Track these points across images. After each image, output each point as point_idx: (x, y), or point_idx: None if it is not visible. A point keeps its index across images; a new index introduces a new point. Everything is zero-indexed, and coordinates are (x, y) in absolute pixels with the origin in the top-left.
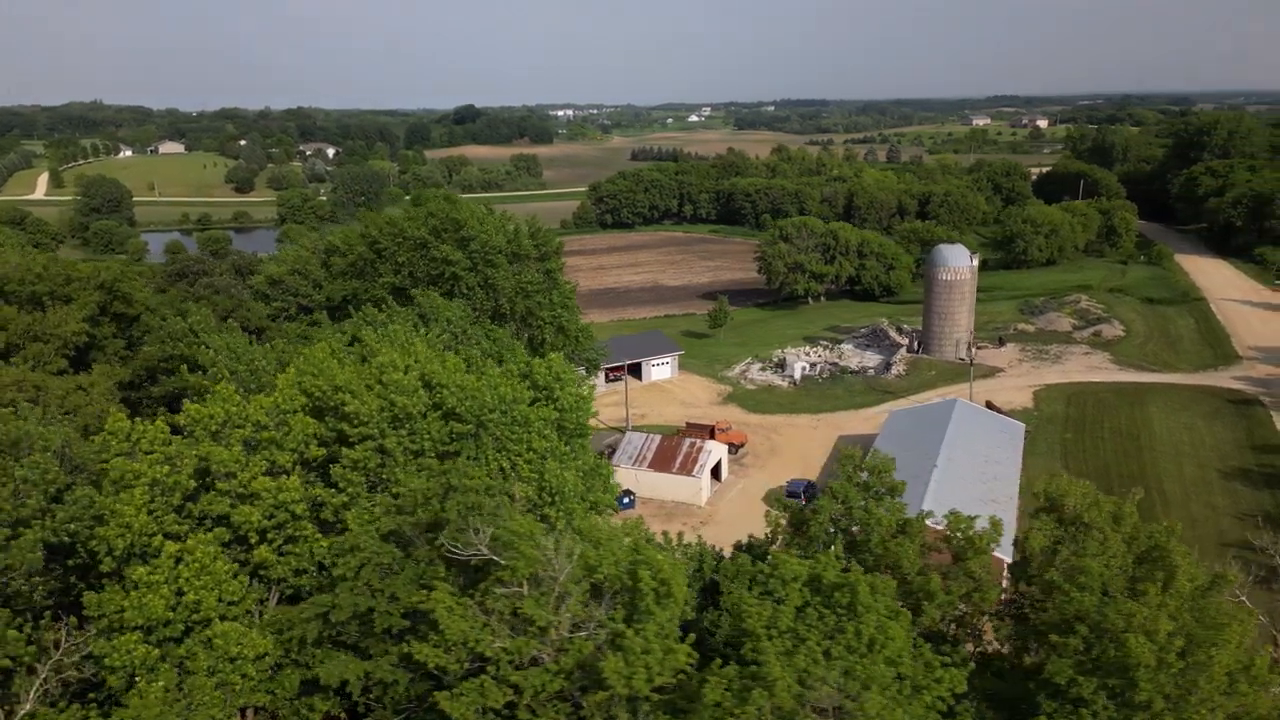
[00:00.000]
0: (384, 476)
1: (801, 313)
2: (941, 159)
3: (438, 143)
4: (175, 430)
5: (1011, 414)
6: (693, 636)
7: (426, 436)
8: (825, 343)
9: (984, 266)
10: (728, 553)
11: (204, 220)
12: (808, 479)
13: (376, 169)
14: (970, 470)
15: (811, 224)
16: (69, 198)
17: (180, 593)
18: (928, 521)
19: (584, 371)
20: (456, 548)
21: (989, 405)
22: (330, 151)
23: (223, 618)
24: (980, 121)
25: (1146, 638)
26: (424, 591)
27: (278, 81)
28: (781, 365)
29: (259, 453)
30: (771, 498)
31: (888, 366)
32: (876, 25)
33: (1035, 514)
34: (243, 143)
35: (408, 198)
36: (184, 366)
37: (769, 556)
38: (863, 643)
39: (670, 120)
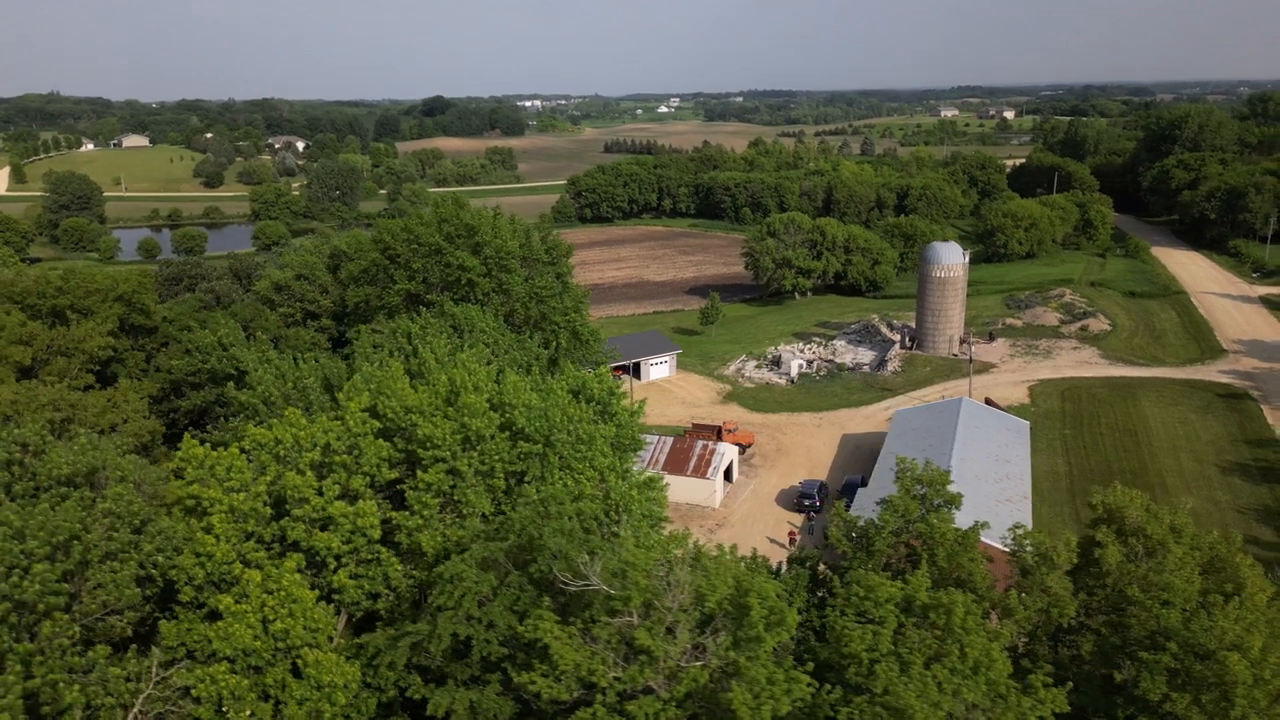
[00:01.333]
0: (455, 498)
1: (789, 308)
2: (916, 152)
3: (407, 135)
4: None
5: (1009, 410)
6: (789, 660)
7: (496, 457)
8: (817, 339)
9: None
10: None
11: (174, 216)
12: (820, 480)
13: (350, 163)
14: (983, 470)
15: (798, 220)
16: (35, 194)
17: (266, 621)
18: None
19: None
20: (566, 578)
21: (989, 402)
22: (300, 145)
23: (309, 645)
24: (948, 113)
25: (1239, 653)
26: (520, 618)
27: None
28: (777, 362)
29: (329, 476)
30: (785, 499)
31: (882, 363)
32: (841, 16)
33: (1094, 525)
34: (209, 136)
35: (396, 201)
36: (230, 384)
37: (845, 574)
38: (967, 665)
39: (640, 111)
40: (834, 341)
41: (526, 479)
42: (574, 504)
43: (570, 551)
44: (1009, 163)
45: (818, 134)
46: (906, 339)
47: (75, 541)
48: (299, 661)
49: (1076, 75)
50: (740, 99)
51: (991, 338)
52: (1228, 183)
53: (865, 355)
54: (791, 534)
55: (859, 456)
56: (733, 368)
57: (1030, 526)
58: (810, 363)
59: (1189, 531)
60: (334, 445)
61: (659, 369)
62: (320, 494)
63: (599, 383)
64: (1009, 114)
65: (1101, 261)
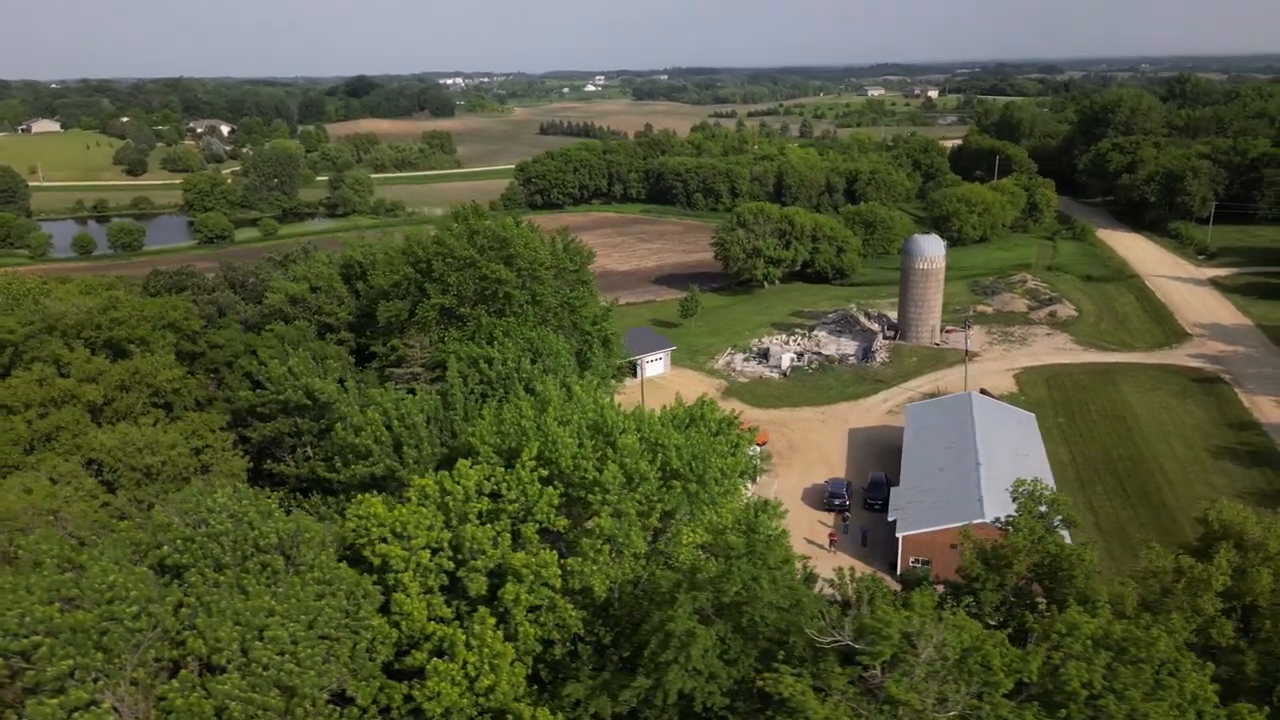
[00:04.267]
0: (617, 539)
1: (760, 298)
2: (856, 135)
3: (333, 116)
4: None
5: (1001, 400)
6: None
7: (656, 498)
8: (799, 330)
9: None
10: None
11: (100, 207)
12: (845, 479)
13: (287, 150)
14: (1007, 466)
15: (767, 210)
16: None
17: (471, 678)
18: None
19: (614, 381)
20: (816, 636)
21: (983, 392)
22: (225, 129)
23: (515, 700)
24: (874, 92)
25: None
26: (724, 666)
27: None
28: (765, 355)
29: (495, 524)
30: (811, 498)
31: (868, 353)
32: None
33: (1209, 540)
34: (125, 120)
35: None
36: (339, 425)
37: (976, 594)
38: (1185, 698)
39: (567, 90)
40: (816, 332)
41: (675, 516)
42: (775, 550)
43: (805, 604)
44: (945, 143)
45: (750, 114)
46: (886, 328)
47: (317, 619)
48: (510, 718)
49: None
50: (665, 77)
51: (967, 325)
52: (1165, 167)
53: (849, 346)
54: (831, 536)
55: (871, 452)
56: (721, 361)
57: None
58: (801, 355)
59: None
60: (506, 494)
61: (655, 366)
62: (495, 545)
63: (711, 410)
64: (933, 93)
65: (1052, 245)
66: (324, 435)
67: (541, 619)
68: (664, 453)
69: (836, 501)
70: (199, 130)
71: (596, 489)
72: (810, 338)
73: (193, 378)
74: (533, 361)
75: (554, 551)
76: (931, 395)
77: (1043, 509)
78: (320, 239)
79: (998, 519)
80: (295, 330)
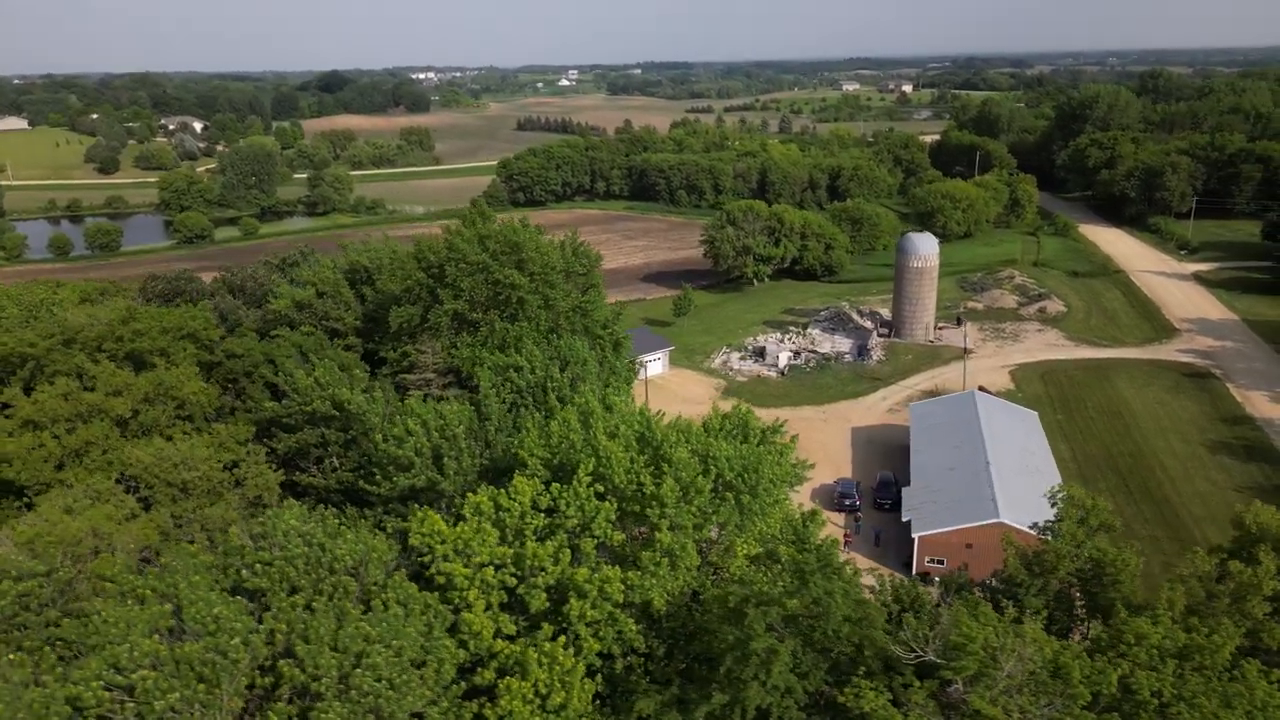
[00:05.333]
0: (675, 552)
1: (750, 295)
2: (836, 130)
3: (307, 113)
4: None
5: (998, 397)
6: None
7: (711, 511)
8: (794, 328)
9: None
10: None
11: (74, 206)
12: (854, 479)
13: (265, 147)
14: (1016, 465)
15: (757, 208)
16: None
17: (543, 696)
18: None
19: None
20: (901, 652)
21: (981, 389)
22: (197, 125)
23: (584, 717)
24: (849, 87)
25: None
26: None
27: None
28: (761, 354)
29: (552, 540)
30: (821, 498)
31: (863, 351)
32: None
33: (1247, 543)
34: (95, 117)
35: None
36: (379, 437)
37: (1017, 601)
38: (1255, 704)
39: (541, 85)
40: (810, 330)
41: (728, 528)
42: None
43: (873, 617)
44: (924, 138)
45: (727, 109)
46: (879, 326)
47: (405, 642)
48: None
49: (959, 47)
50: (639, 71)
51: (959, 322)
52: (1144, 162)
53: (843, 343)
54: (846, 537)
55: (875, 451)
56: (718, 360)
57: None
58: (798, 354)
59: None
60: (563, 509)
61: (654, 366)
62: (556, 561)
63: (753, 418)
64: (907, 88)
65: (1036, 240)
66: (350, 446)
67: (600, 633)
68: (715, 464)
69: (847, 502)
70: (171, 127)
71: (654, 503)
72: (805, 336)
73: (212, 388)
74: (561, 370)
75: (617, 567)
76: (931, 393)
77: (1082, 513)
78: (311, 240)
79: (1035, 524)
80: (313, 339)
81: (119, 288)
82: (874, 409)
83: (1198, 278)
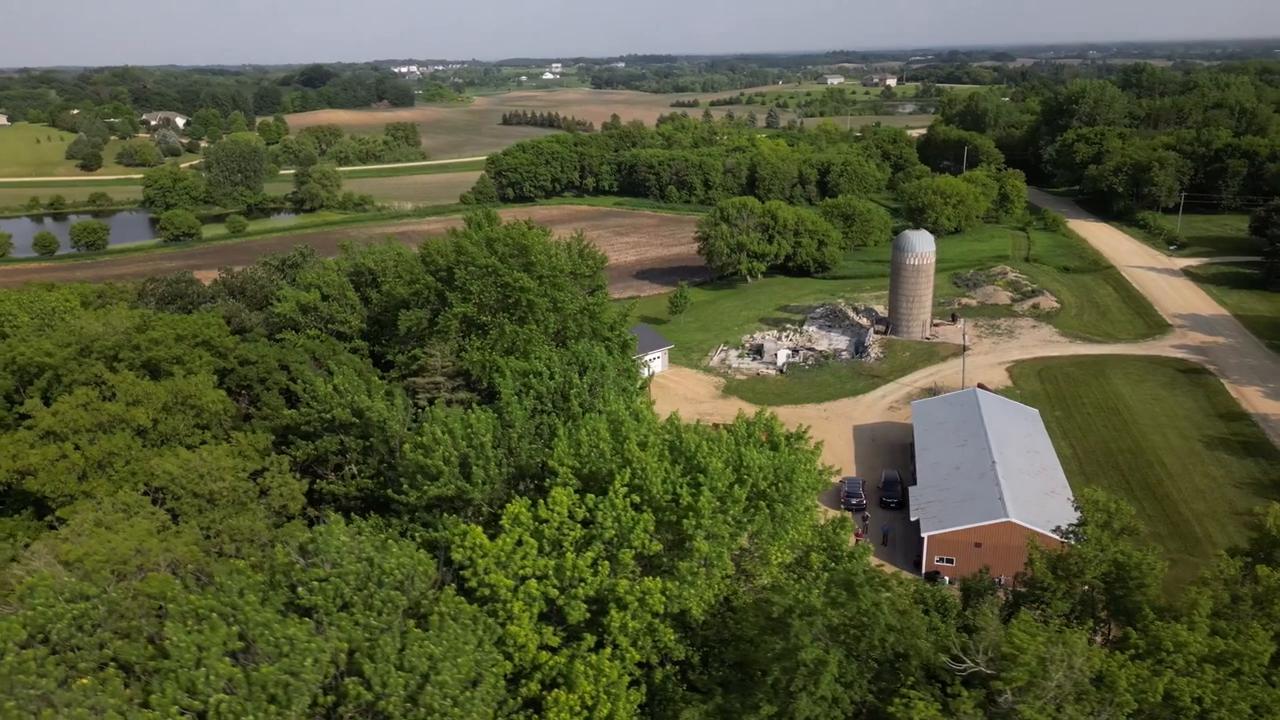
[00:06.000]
0: (712, 562)
1: (744, 292)
2: (824, 125)
3: (290, 107)
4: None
5: (997, 394)
6: None
7: (746, 519)
8: (790, 325)
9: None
10: None
11: (57, 204)
12: (859, 478)
13: (251, 143)
14: (1021, 463)
15: (750, 204)
16: None
17: (589, 707)
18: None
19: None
20: (951, 663)
21: (980, 387)
22: (180, 121)
23: None
24: (834, 81)
25: None
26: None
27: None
28: (759, 351)
29: (591, 550)
30: (828, 498)
31: (860, 348)
32: None
33: (1261, 546)
34: (75, 113)
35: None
36: (407, 446)
37: (1043, 605)
38: None
39: (524, 78)
40: (806, 328)
41: (760, 536)
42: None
43: (917, 627)
44: (912, 134)
45: (713, 103)
46: (875, 323)
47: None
48: None
49: (941, 40)
50: (623, 64)
51: (955, 319)
52: (1132, 158)
53: (840, 341)
54: (856, 536)
55: (878, 450)
56: (716, 359)
57: (1080, 517)
58: (796, 351)
59: None
60: (600, 521)
61: (654, 365)
62: (595, 572)
63: (776, 424)
64: (891, 81)
65: (1026, 236)
66: (368, 452)
67: (639, 642)
68: (749, 474)
69: (854, 501)
70: (153, 123)
71: (691, 514)
72: (801, 333)
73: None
74: (580, 375)
75: (658, 579)
76: (930, 391)
77: (1105, 516)
78: (301, 237)
79: (1058, 528)
80: (326, 345)
81: (117, 290)
82: (874, 407)
83: (1187, 273)
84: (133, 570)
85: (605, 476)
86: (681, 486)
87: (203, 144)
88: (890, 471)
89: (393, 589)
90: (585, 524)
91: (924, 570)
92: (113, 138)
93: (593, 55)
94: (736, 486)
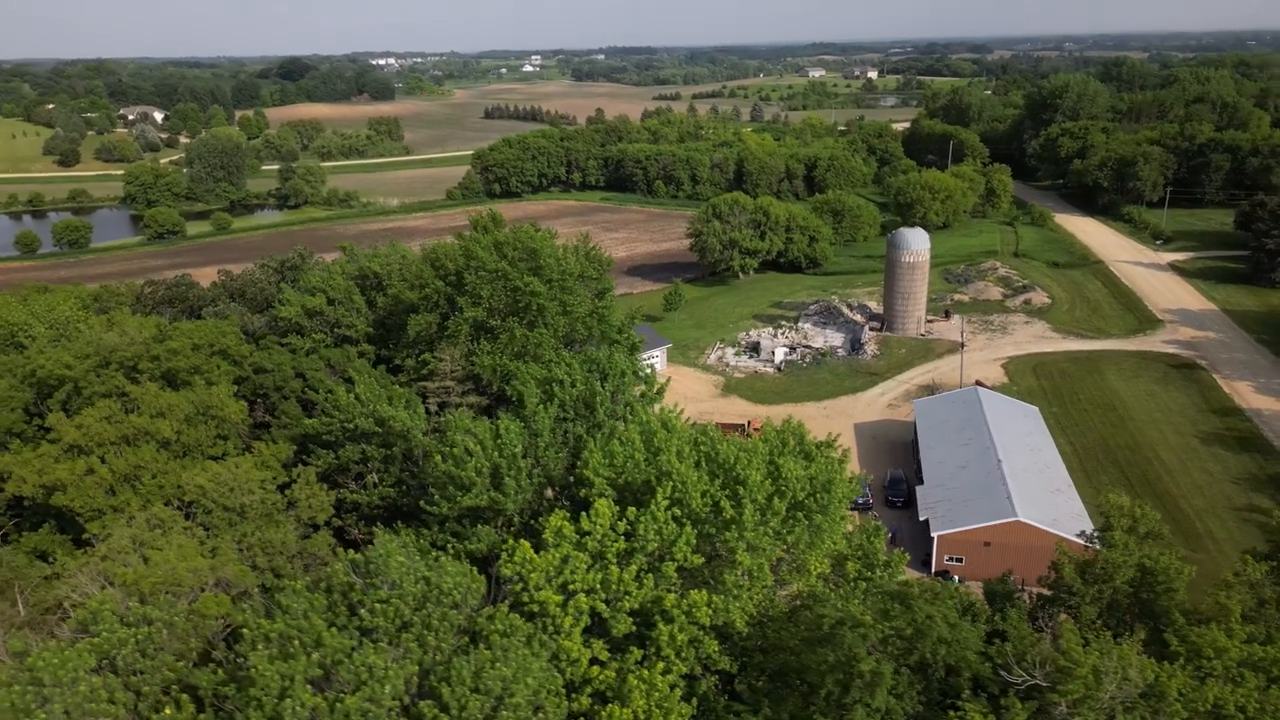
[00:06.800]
0: (754, 574)
1: (737, 288)
2: (809, 119)
3: (269, 101)
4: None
5: (994, 390)
6: None
7: (787, 530)
8: (785, 322)
9: (884, 231)
10: None
11: (36, 201)
12: (865, 477)
13: (233, 138)
14: (1024, 461)
15: (742, 201)
16: None
17: None
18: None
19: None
20: (1008, 676)
21: (978, 384)
22: (158, 115)
23: None
24: (815, 73)
25: None
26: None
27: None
28: (755, 349)
29: (634, 563)
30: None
31: (856, 345)
32: None
33: (1277, 548)
34: (51, 107)
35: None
36: (438, 457)
37: (1074, 611)
38: None
39: (504, 70)
40: (801, 324)
41: (798, 547)
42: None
43: (968, 639)
44: (896, 127)
45: (695, 96)
46: (869, 319)
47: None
48: None
49: (919, 31)
50: (602, 56)
51: (948, 315)
52: (1116, 153)
53: (835, 337)
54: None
55: (880, 448)
56: (713, 356)
57: (1085, 514)
58: (793, 349)
59: None
60: (642, 534)
61: (654, 364)
62: (640, 585)
63: (804, 431)
64: (872, 74)
65: (1014, 231)
66: (389, 461)
67: (683, 654)
68: (787, 485)
69: (859, 500)
70: (131, 117)
71: (734, 526)
72: (797, 330)
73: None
74: (601, 382)
75: (703, 591)
76: (928, 388)
77: (1131, 522)
78: (287, 234)
79: (1083, 532)
80: (340, 353)
81: (113, 293)
82: (874, 404)
83: (1174, 267)
84: (186, 591)
85: (640, 488)
86: (723, 499)
87: (182, 139)
88: (896, 470)
89: (449, 608)
90: (626, 536)
91: (934, 569)
92: (90, 133)
93: (572, 47)
94: (776, 499)
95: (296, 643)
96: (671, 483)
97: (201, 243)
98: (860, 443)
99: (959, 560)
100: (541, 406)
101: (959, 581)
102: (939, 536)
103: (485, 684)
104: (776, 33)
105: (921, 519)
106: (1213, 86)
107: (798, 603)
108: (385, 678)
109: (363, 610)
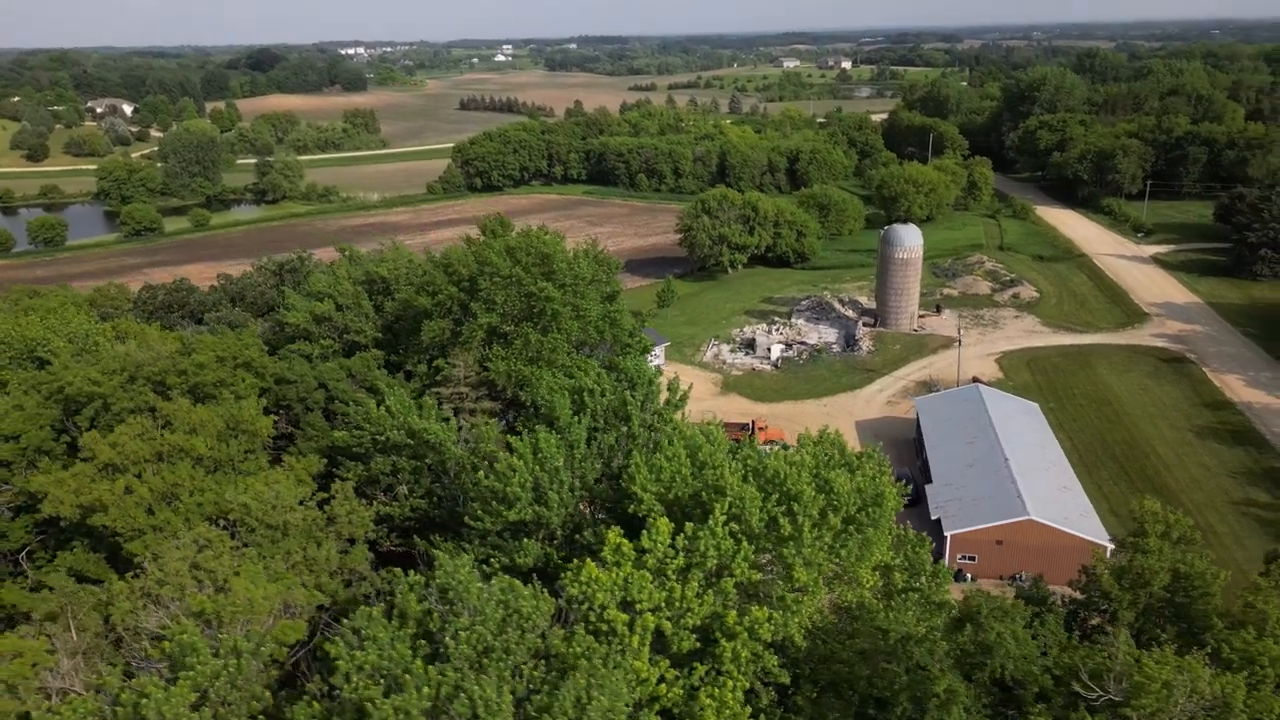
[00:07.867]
0: (810, 588)
1: (726, 284)
2: (787, 111)
3: (239, 92)
4: None
5: (990, 386)
6: None
7: (839, 543)
8: (778, 319)
9: (869, 225)
10: None
11: (6, 197)
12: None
13: (207, 132)
14: (1030, 459)
15: (731, 196)
16: None
17: None
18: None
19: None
20: (1082, 691)
21: (975, 380)
22: (127, 108)
23: None
24: (789, 64)
25: None
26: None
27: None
28: (750, 345)
29: (692, 578)
30: None
31: (851, 341)
32: None
33: None
34: (16, 100)
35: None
36: (480, 473)
37: (1111, 617)
38: None
39: (476, 60)
40: (795, 320)
41: (849, 560)
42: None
43: (1032, 654)
44: (874, 119)
45: (671, 86)
46: (862, 315)
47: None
48: None
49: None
50: (574, 45)
51: (939, 310)
52: (1095, 145)
53: (829, 334)
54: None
55: (882, 446)
56: (708, 354)
57: (1092, 511)
58: (789, 345)
59: None
60: (701, 550)
61: (654, 362)
62: (701, 602)
63: (842, 441)
64: (846, 64)
65: (997, 224)
66: (419, 473)
67: (744, 669)
68: (838, 499)
69: None
70: (99, 110)
71: (791, 543)
72: (790, 326)
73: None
74: (630, 391)
75: (764, 608)
76: (925, 384)
77: (1164, 527)
78: (266, 230)
79: (1114, 537)
80: (360, 362)
81: (108, 297)
82: (873, 401)
83: (1156, 260)
84: (261, 617)
85: (688, 502)
86: (780, 516)
87: (153, 132)
88: (902, 469)
89: (527, 631)
90: (684, 553)
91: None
92: (58, 126)
93: (544, 36)
94: (830, 513)
95: (407, 675)
96: (728, 499)
97: (180, 239)
98: (862, 440)
99: (971, 559)
100: (575, 419)
101: (972, 580)
102: (952, 536)
103: (590, 715)
104: (749, 23)
105: (933, 518)
106: (1186, 79)
107: (845, 613)
108: (499, 710)
109: (447, 638)
